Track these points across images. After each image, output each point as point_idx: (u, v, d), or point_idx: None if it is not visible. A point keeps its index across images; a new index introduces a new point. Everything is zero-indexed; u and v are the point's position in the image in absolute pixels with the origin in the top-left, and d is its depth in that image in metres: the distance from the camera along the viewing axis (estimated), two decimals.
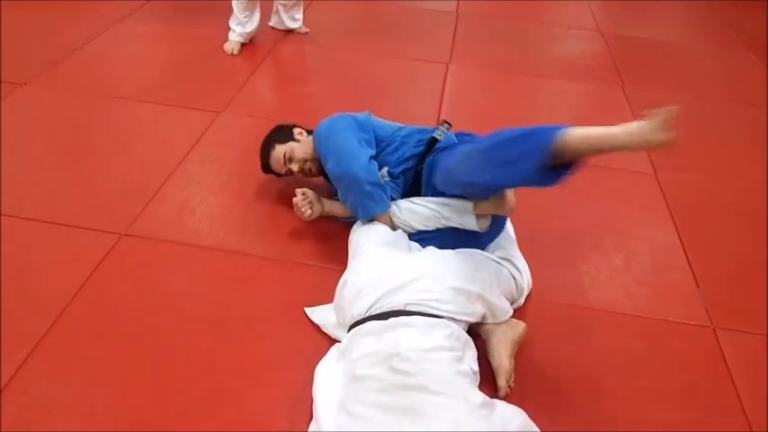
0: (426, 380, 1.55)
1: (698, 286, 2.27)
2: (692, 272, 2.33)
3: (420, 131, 2.25)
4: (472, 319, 1.85)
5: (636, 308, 2.16)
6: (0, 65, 3.25)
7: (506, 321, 1.92)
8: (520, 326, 1.92)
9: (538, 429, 1.58)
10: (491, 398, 1.60)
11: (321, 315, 1.96)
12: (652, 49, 4.23)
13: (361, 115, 2.28)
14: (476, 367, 1.72)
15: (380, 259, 1.94)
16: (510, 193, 1.94)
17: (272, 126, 2.45)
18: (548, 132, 1.60)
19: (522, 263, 2.13)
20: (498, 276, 1.99)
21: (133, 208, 2.38)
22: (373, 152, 2.16)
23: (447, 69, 3.65)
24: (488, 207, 1.99)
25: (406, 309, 1.75)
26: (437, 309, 1.77)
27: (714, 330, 2.10)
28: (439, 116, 3.14)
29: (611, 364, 1.96)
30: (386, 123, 2.33)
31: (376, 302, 1.78)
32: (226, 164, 2.70)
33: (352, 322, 1.80)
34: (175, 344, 1.88)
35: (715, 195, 2.79)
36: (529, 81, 3.67)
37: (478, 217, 2.02)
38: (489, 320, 1.90)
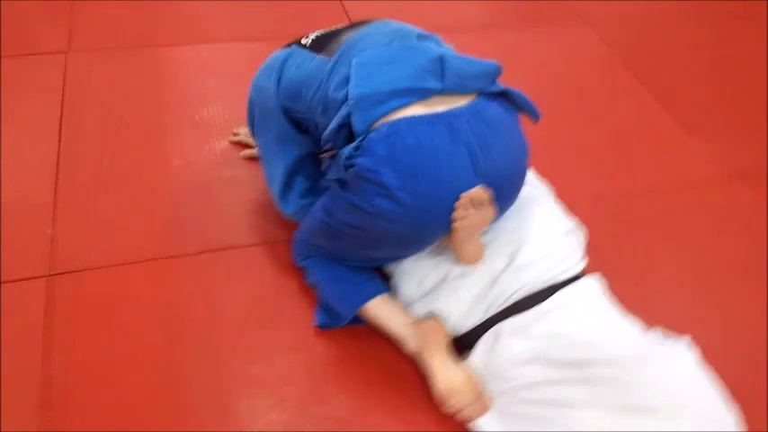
0: (624, 367, 1.28)
1: None
2: None
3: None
4: None
5: None
6: None
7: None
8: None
9: None
10: None
11: None
12: None
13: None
14: None
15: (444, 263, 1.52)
16: (467, 250, 1.46)
17: None
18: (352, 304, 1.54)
19: None
20: None
21: None
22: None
23: None
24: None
25: (536, 291, 1.41)
26: (569, 270, 1.46)
27: None
28: None
29: None
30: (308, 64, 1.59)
31: (484, 298, 1.43)
32: None
33: (467, 331, 1.46)
34: None
35: None
36: None
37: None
38: None
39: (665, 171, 2.22)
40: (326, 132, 1.43)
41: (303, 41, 1.64)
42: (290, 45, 1.69)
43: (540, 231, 1.51)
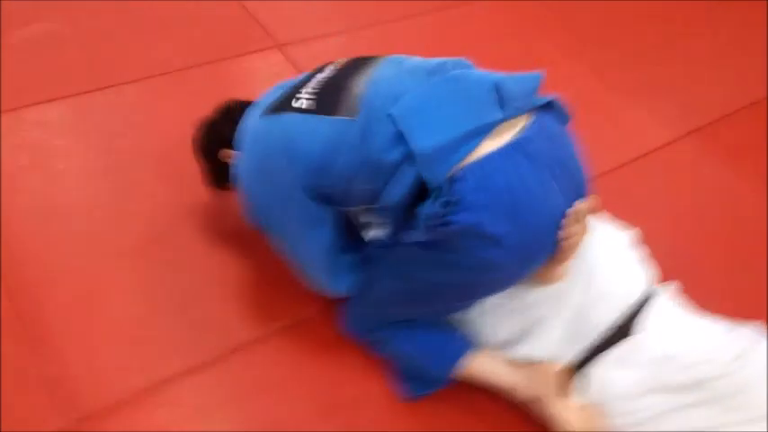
0: (740, 374, 1.28)
1: None
2: None
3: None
4: None
5: None
6: None
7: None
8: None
9: None
10: None
11: None
12: None
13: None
14: None
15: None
16: (558, 271, 1.40)
17: None
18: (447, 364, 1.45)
19: None
20: None
21: None
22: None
23: None
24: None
25: (622, 316, 1.37)
26: (644, 284, 1.42)
27: None
28: None
29: None
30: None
31: (573, 337, 1.39)
32: None
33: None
34: None
35: None
36: None
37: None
38: None
39: (623, 144, 2.25)
40: (389, 200, 1.29)
41: (296, 105, 1.36)
42: (274, 113, 1.39)
43: (605, 250, 1.45)
